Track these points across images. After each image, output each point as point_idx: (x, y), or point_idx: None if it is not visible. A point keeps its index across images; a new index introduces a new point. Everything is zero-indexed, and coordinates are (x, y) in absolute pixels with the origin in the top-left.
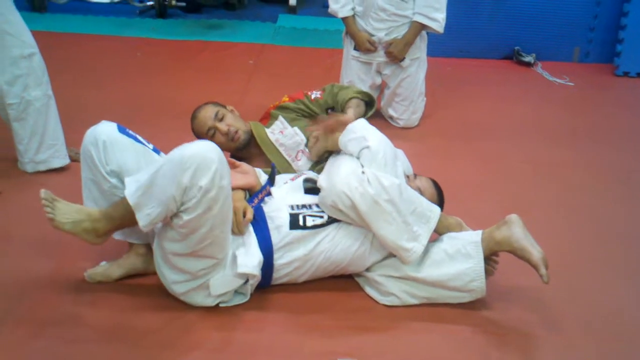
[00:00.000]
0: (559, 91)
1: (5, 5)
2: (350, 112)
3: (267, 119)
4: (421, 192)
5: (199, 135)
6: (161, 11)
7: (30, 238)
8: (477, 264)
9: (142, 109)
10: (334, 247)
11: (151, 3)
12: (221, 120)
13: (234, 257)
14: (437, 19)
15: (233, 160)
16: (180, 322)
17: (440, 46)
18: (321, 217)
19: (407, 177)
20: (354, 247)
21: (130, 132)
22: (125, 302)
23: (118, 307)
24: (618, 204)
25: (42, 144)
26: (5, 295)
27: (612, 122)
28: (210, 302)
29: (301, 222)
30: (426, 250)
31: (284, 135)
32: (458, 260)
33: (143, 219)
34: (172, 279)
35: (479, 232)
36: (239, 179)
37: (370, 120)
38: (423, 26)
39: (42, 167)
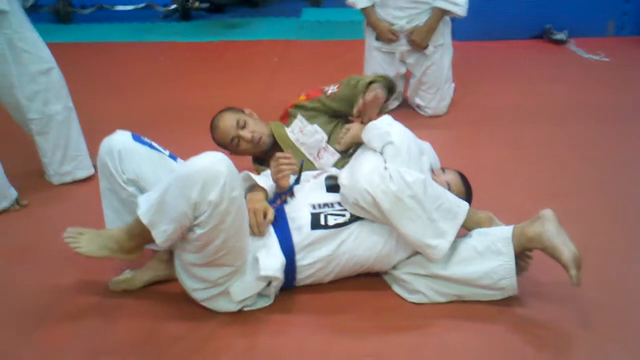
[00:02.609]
0: (595, 68)
1: (21, 23)
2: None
3: (287, 118)
4: (449, 187)
5: (222, 144)
6: (184, 14)
7: (56, 250)
8: (507, 261)
9: (166, 115)
10: (358, 246)
11: (174, 6)
12: (243, 127)
13: (255, 260)
14: (459, 3)
15: (290, 152)
16: (205, 329)
17: (466, 30)
18: (343, 215)
19: (434, 171)
20: (378, 245)
21: (146, 139)
22: (150, 311)
23: (142, 316)
24: None
25: (65, 156)
26: (33, 307)
27: None
28: (233, 307)
29: (323, 222)
30: (454, 247)
31: (304, 134)
32: (488, 258)
33: (159, 236)
34: (193, 287)
35: (510, 228)
36: (264, 182)
37: (398, 110)
38: (445, 11)
39: (68, 179)
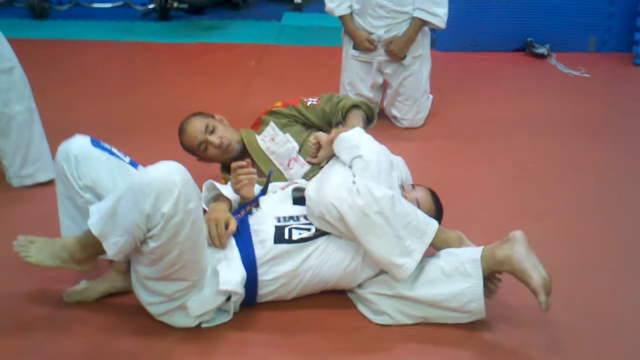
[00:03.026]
0: (575, 83)
1: None
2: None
3: (259, 125)
4: (418, 204)
5: (190, 149)
6: (163, 14)
7: (9, 256)
8: (475, 283)
9: (137, 119)
10: (323, 262)
11: (153, 6)
12: (212, 132)
13: (215, 273)
14: (439, 14)
15: (249, 161)
16: (160, 346)
17: (447, 40)
18: (308, 229)
19: (404, 187)
20: (344, 262)
21: (105, 145)
22: (103, 325)
23: (96, 329)
24: None
25: (26, 159)
26: None
27: (633, 116)
28: (190, 322)
29: (286, 236)
30: (421, 267)
31: (275, 142)
32: (455, 279)
33: (110, 249)
34: (148, 301)
35: (479, 249)
36: (229, 192)
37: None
38: (424, 22)
39: (28, 182)
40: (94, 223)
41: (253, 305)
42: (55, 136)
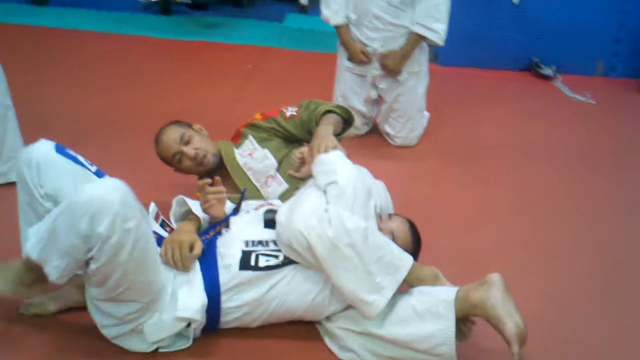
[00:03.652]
0: (579, 109)
1: None
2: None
3: (238, 137)
4: (393, 237)
5: (165, 160)
6: (165, 7)
7: None
8: (447, 326)
9: (122, 118)
10: (289, 292)
11: None
12: (187, 143)
13: (175, 298)
14: (437, 30)
15: (218, 179)
16: None
17: (453, 55)
18: (276, 256)
19: (381, 217)
20: (311, 294)
21: (70, 152)
22: (56, 343)
23: (47, 348)
24: None
25: (0, 156)
26: None
27: (636, 148)
28: (146, 347)
29: (253, 262)
30: (392, 305)
31: (253, 158)
32: (427, 320)
33: (52, 273)
34: (101, 323)
35: (454, 290)
36: (199, 209)
37: (367, 135)
38: (422, 37)
39: (1, 180)
40: (32, 246)
41: (216, 331)
42: (34, 133)
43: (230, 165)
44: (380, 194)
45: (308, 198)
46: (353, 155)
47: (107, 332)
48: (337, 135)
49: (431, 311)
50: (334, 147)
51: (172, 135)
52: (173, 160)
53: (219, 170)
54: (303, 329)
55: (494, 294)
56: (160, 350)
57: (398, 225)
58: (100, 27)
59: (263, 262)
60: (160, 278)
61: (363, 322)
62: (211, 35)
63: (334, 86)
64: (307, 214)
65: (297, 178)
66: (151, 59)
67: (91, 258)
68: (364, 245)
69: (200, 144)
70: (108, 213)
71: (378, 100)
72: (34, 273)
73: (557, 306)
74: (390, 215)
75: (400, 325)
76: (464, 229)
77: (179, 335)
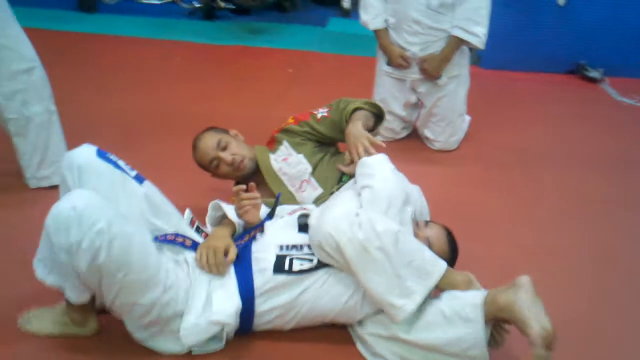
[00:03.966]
0: (627, 113)
1: (3, 18)
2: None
3: (273, 143)
4: (429, 244)
5: (202, 165)
6: (209, 13)
7: (13, 257)
8: (476, 329)
9: (165, 121)
10: (321, 295)
11: (199, 5)
12: (224, 149)
13: (209, 301)
14: (478, 34)
15: (252, 185)
16: None
17: (496, 58)
18: (310, 260)
19: (417, 223)
20: (343, 297)
21: (112, 157)
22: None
23: (88, 346)
24: None
25: (44, 161)
26: None
27: None
28: (179, 349)
29: (287, 266)
30: (421, 309)
31: (287, 163)
32: (455, 324)
33: (71, 295)
34: (130, 329)
35: (482, 293)
36: (234, 214)
37: (407, 139)
38: (462, 41)
39: (45, 184)
40: (43, 275)
41: (249, 334)
42: (77, 138)
43: (265, 170)
44: (415, 199)
45: (341, 201)
46: (392, 159)
47: (137, 337)
48: (370, 130)
49: (460, 315)
50: (372, 143)
51: (209, 141)
52: (210, 166)
53: (254, 176)
54: (336, 333)
55: (522, 297)
56: (194, 352)
57: (435, 233)
58: (146, 33)
59: (297, 266)
60: (159, 276)
61: (391, 326)
62: (254, 40)
63: (374, 90)
64: (337, 217)
65: (343, 172)
66: (194, 64)
67: (76, 269)
68: (394, 248)
69: (237, 150)
70: (72, 221)
71: (418, 105)
72: (82, 311)
73: (591, 313)
74: (427, 223)
75: (429, 330)
76: (502, 234)
77: (213, 337)
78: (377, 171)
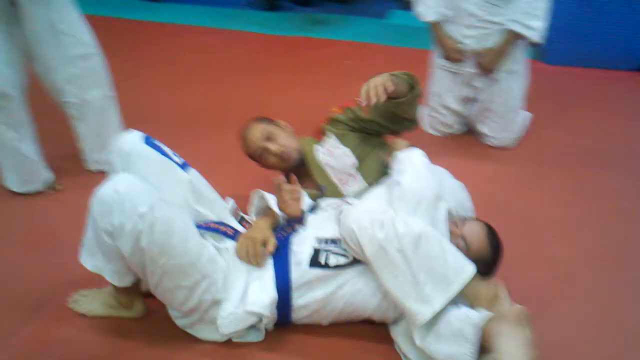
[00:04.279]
0: None
1: (62, 4)
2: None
3: (320, 134)
4: (465, 242)
5: (250, 155)
6: (270, 3)
7: (74, 240)
8: (469, 350)
9: (220, 111)
10: (356, 293)
11: None
12: (271, 140)
13: (247, 292)
14: (535, 28)
15: (294, 177)
16: (184, 356)
17: (560, 54)
18: (346, 256)
19: (455, 222)
20: (377, 296)
21: (158, 143)
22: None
23: (132, 328)
24: None
25: (102, 144)
26: (32, 298)
27: None
28: (219, 337)
29: (323, 260)
30: (440, 316)
31: (333, 156)
32: (455, 340)
33: (113, 279)
34: (172, 314)
35: (485, 315)
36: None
37: (464, 135)
38: (518, 35)
39: (103, 167)
40: (84, 260)
41: (289, 326)
42: (134, 124)
43: (311, 162)
44: (457, 197)
45: (370, 197)
46: (446, 154)
47: (179, 323)
48: (401, 98)
49: (461, 332)
50: (385, 86)
51: (257, 132)
52: (257, 156)
53: (301, 167)
54: (377, 330)
55: (503, 329)
56: (234, 340)
57: (472, 230)
58: (209, 23)
59: (333, 261)
60: (201, 262)
61: (411, 330)
62: (314, 31)
63: (429, 84)
64: (362, 214)
65: (386, 166)
66: (254, 54)
67: (121, 252)
68: (414, 252)
69: (284, 141)
70: (116, 204)
71: (473, 99)
72: (127, 293)
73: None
74: (465, 220)
75: (436, 340)
76: (555, 236)
77: (253, 327)
78: (409, 167)
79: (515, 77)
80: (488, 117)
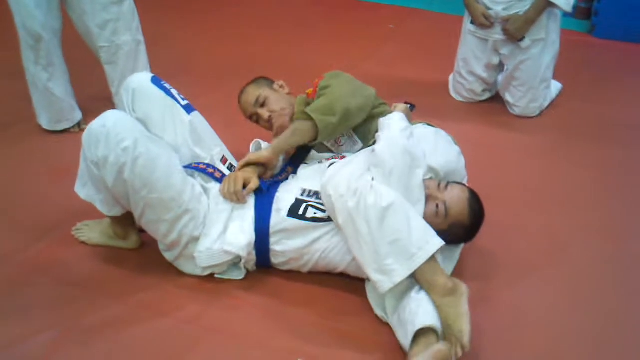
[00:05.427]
0: None
1: None
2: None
3: (315, 92)
4: (445, 207)
5: (245, 116)
6: None
7: None
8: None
9: (257, 67)
10: (331, 248)
11: None
12: (262, 105)
13: (226, 230)
14: None
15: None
16: (168, 286)
17: (610, 28)
18: (324, 210)
19: (439, 185)
20: (348, 256)
21: (165, 84)
22: (133, 255)
23: (125, 257)
24: None
25: None
26: (50, 221)
27: None
28: (199, 271)
29: (301, 211)
30: (405, 295)
31: None
32: (405, 329)
33: (102, 208)
34: (160, 247)
35: (429, 320)
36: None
37: (489, 102)
38: (548, 3)
39: None
40: (78, 189)
41: (269, 268)
42: (165, 71)
43: None
44: (449, 161)
45: (352, 162)
46: (468, 120)
47: (166, 256)
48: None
49: (408, 324)
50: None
51: (250, 97)
52: (253, 121)
53: None
54: (353, 281)
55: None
56: (216, 275)
57: (454, 195)
58: None
59: (311, 213)
60: (183, 198)
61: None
62: None
63: (458, 49)
64: (340, 180)
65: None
66: (301, 11)
67: (105, 183)
68: (379, 224)
69: (275, 106)
70: (102, 137)
71: (500, 67)
72: (121, 225)
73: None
74: (447, 185)
75: (398, 324)
76: (554, 205)
77: (235, 265)
78: (384, 133)
79: (544, 47)
80: (513, 86)
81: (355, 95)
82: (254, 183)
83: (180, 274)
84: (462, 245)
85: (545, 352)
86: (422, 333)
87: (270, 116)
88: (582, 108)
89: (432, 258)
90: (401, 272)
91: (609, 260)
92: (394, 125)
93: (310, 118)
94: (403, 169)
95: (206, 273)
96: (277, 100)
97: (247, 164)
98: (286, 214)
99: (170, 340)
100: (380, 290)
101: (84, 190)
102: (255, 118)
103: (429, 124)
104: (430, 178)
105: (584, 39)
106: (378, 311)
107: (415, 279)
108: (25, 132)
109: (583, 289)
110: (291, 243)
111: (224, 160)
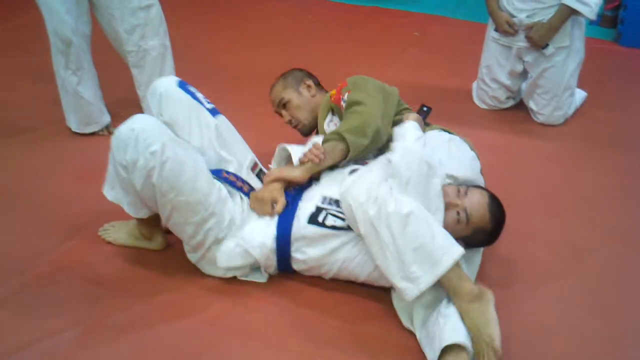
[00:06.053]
0: None
1: None
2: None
3: (339, 93)
4: (466, 214)
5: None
6: None
7: None
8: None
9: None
10: (351, 258)
11: None
12: (285, 107)
13: (248, 234)
14: (589, 4)
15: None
16: (191, 287)
17: (636, 35)
18: (343, 219)
19: (458, 190)
20: (369, 266)
21: (191, 88)
22: (158, 256)
23: (150, 258)
24: None
25: None
26: (78, 218)
27: None
28: (221, 273)
29: (321, 219)
30: (432, 311)
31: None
32: (431, 344)
33: (130, 210)
34: (185, 248)
35: (457, 338)
36: (286, 171)
37: (513, 109)
38: (572, 11)
39: None
40: (106, 191)
41: (291, 274)
42: (191, 76)
43: (320, 131)
44: (466, 168)
45: (371, 170)
46: (491, 128)
47: (190, 257)
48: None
49: (435, 340)
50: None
51: (275, 97)
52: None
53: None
54: (377, 290)
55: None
56: (239, 277)
57: (474, 201)
58: None
59: (330, 221)
60: (209, 201)
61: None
62: (387, 1)
63: (481, 56)
64: (361, 189)
65: None
66: (324, 21)
67: (134, 186)
68: (402, 231)
69: (295, 112)
70: (131, 141)
71: (524, 74)
72: (147, 226)
73: None
74: (467, 190)
75: (427, 338)
76: (574, 213)
77: (257, 269)
78: (399, 143)
79: (568, 54)
80: (537, 93)
81: (383, 115)
82: (281, 204)
83: (204, 275)
84: (482, 251)
85: (566, 359)
86: (451, 350)
87: (290, 120)
88: (606, 117)
89: (457, 264)
90: (427, 279)
91: (630, 268)
92: (408, 135)
93: (342, 139)
94: (419, 178)
95: (229, 275)
96: (298, 107)
97: (277, 180)
98: (306, 221)
99: (190, 340)
100: (406, 298)
101: (111, 192)
102: (279, 114)
103: (444, 129)
104: (449, 184)
105: (610, 47)
106: (406, 322)
107: (441, 285)
108: (55, 134)
109: (603, 296)
110: (311, 251)
111: (254, 166)
